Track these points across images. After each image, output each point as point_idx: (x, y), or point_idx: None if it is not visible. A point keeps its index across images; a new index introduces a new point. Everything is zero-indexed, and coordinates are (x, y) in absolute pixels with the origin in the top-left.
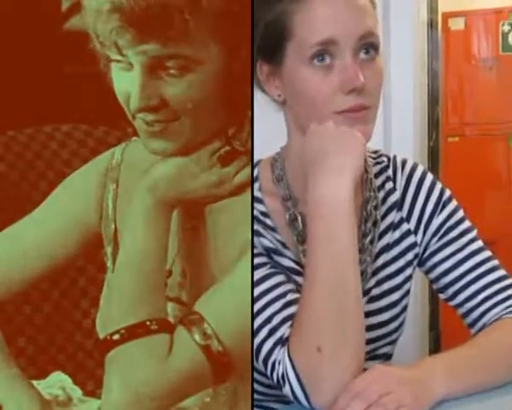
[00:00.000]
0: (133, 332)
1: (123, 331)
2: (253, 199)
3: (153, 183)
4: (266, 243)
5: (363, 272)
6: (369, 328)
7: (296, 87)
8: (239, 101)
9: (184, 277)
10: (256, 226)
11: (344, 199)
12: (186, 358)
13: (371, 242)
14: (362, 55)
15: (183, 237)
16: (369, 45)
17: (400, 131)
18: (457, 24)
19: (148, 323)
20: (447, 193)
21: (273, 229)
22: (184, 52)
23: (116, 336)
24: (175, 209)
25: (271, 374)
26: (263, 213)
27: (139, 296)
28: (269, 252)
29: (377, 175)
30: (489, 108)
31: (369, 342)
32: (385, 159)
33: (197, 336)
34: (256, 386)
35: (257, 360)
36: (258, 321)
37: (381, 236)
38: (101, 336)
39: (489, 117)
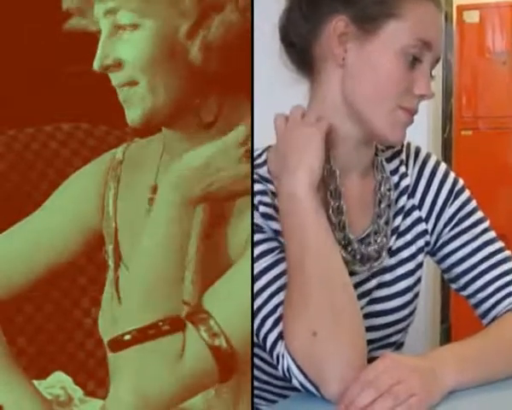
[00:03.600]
0: (145, 334)
1: (134, 333)
2: (253, 195)
3: (178, 178)
4: (276, 225)
5: (379, 252)
6: (382, 313)
7: (378, 66)
8: (219, 70)
9: (193, 284)
10: (267, 209)
11: (300, 195)
12: (196, 358)
13: (386, 223)
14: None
15: (201, 244)
16: (435, 66)
17: (414, 123)
18: (472, 17)
19: (160, 324)
20: (460, 183)
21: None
22: (127, 5)
23: (127, 337)
24: (198, 205)
25: (277, 366)
26: (273, 193)
27: (156, 295)
28: (277, 235)
29: (391, 159)
30: (503, 101)
31: (380, 327)
32: None
33: (205, 335)
34: (261, 375)
35: (264, 350)
36: (264, 312)
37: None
38: (103, 336)
39: (502, 111)
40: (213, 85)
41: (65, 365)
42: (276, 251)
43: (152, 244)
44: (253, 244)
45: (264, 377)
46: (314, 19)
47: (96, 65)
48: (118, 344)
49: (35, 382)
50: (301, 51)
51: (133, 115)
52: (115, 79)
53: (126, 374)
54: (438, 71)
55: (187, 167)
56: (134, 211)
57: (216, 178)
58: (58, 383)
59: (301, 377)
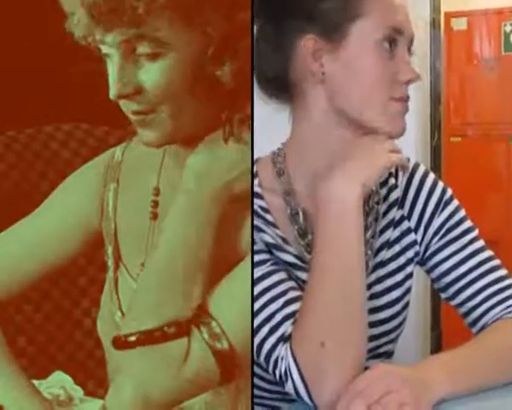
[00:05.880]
0: (150, 337)
1: (139, 335)
2: (253, 195)
3: (195, 176)
4: (267, 238)
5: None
6: (371, 325)
7: (359, 67)
8: (229, 91)
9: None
10: (256, 222)
11: (351, 202)
12: (199, 362)
13: (372, 236)
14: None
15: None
16: (411, 46)
17: None
18: (460, 24)
19: (165, 328)
20: (449, 192)
21: (273, 224)
22: (152, 34)
23: (132, 338)
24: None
25: (274, 371)
26: (263, 209)
27: (170, 295)
28: (270, 248)
29: None
30: (491, 108)
31: (370, 339)
32: None
33: (207, 337)
34: (259, 382)
35: (258, 357)
36: (258, 320)
37: (382, 232)
38: (102, 336)
39: (491, 117)
40: (233, 103)
41: (65, 364)
42: (268, 263)
43: (171, 241)
44: (253, 244)
45: (258, 392)
46: (283, 44)
47: (112, 93)
48: (122, 343)
49: (35, 382)
50: (277, 80)
51: (149, 137)
52: (130, 106)
53: (129, 375)
54: (426, 78)
55: (200, 166)
56: (134, 212)
57: (235, 176)
58: (58, 382)
59: (297, 378)
